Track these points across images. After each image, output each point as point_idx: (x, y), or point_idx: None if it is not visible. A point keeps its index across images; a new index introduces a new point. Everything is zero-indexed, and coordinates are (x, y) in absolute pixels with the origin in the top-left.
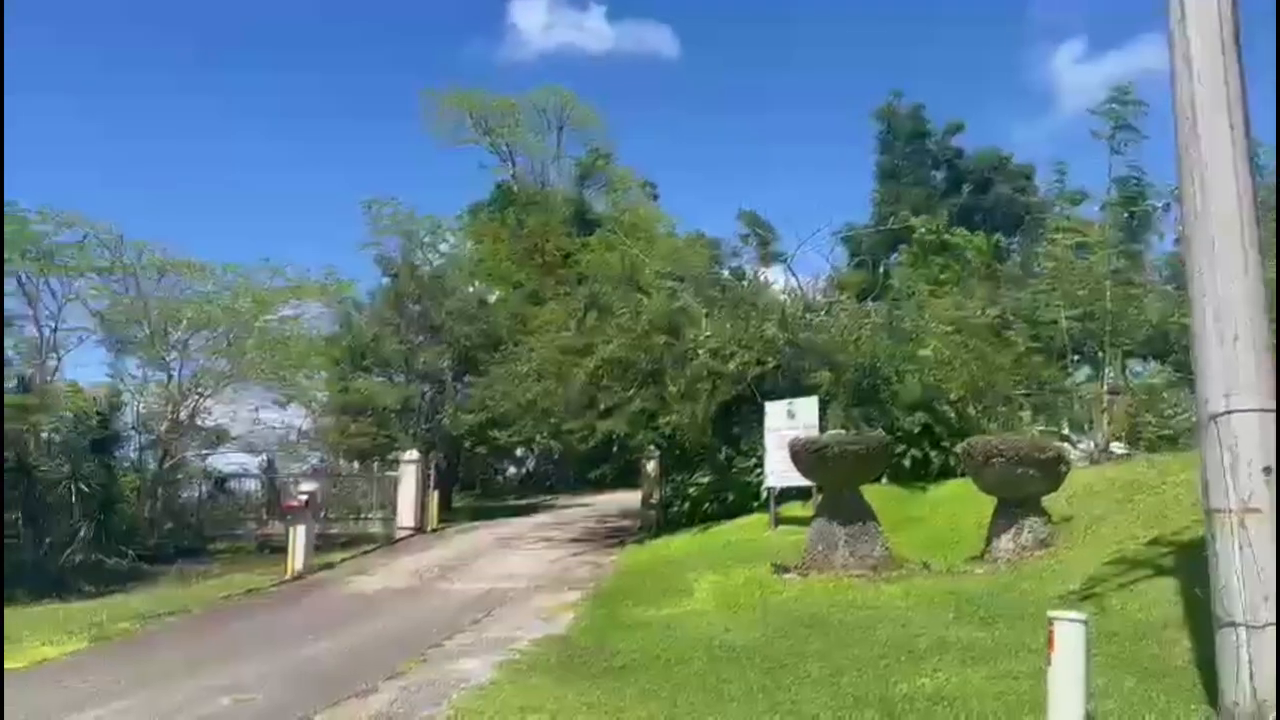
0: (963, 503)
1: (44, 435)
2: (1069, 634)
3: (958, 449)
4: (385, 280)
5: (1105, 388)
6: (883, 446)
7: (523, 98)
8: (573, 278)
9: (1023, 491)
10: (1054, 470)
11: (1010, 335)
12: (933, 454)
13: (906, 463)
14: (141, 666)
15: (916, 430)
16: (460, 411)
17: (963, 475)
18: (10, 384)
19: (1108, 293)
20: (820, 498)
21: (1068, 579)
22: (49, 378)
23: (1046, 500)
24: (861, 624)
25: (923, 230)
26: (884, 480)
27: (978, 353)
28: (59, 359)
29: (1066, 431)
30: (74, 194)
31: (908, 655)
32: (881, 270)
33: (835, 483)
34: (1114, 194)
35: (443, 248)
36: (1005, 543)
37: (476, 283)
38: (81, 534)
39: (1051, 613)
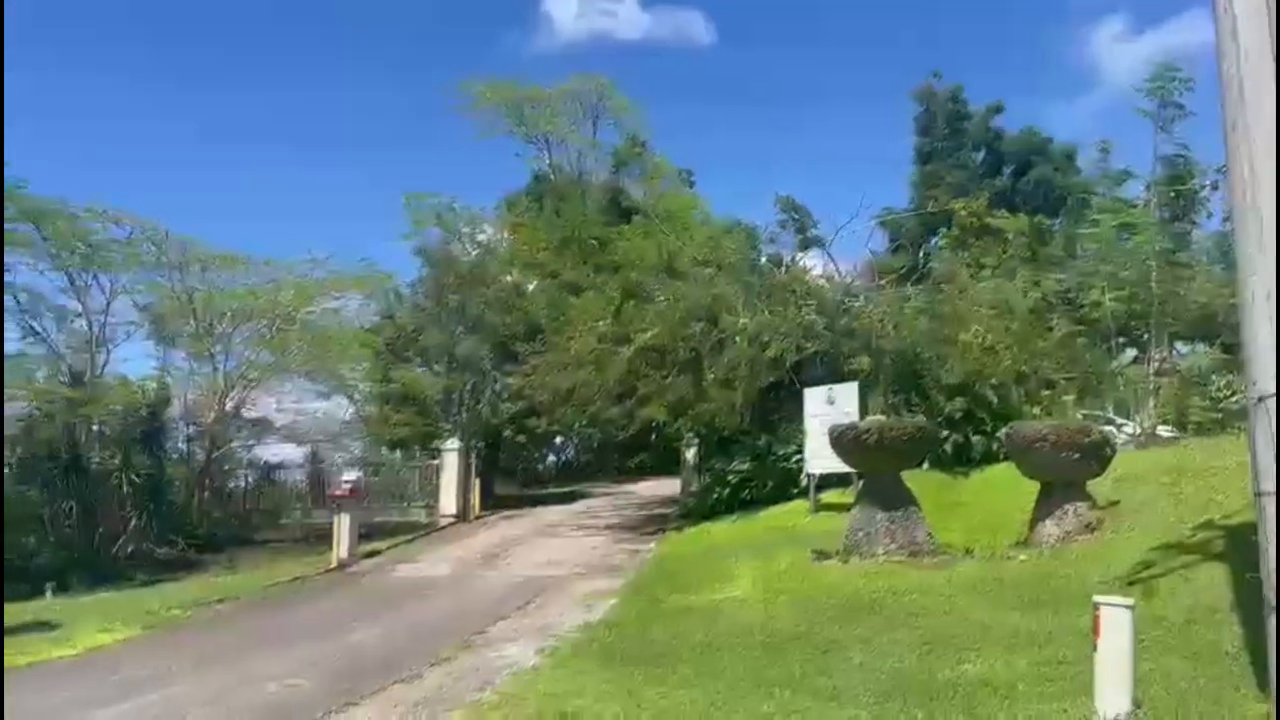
0: (1006, 488)
1: (95, 428)
2: (1115, 619)
3: (1000, 434)
4: (425, 272)
5: (1151, 370)
6: (924, 432)
7: (558, 87)
8: (610, 266)
9: (1067, 476)
10: (1099, 454)
11: (1053, 318)
12: (975, 439)
13: (948, 448)
14: (193, 653)
15: (958, 415)
16: (500, 400)
17: (1005, 460)
18: (62, 378)
19: (1153, 274)
20: (861, 484)
21: (1114, 564)
22: (99, 371)
23: (1091, 485)
24: (903, 610)
25: (963, 213)
26: (925, 466)
27: (1020, 336)
28: (108, 353)
29: (1112, 415)
30: (118, 191)
31: (951, 641)
32: (921, 254)
33: (876, 468)
34: (1159, 173)
35: (480, 238)
36: (1049, 528)
37: (514, 272)
38: (133, 524)
39: (1097, 598)
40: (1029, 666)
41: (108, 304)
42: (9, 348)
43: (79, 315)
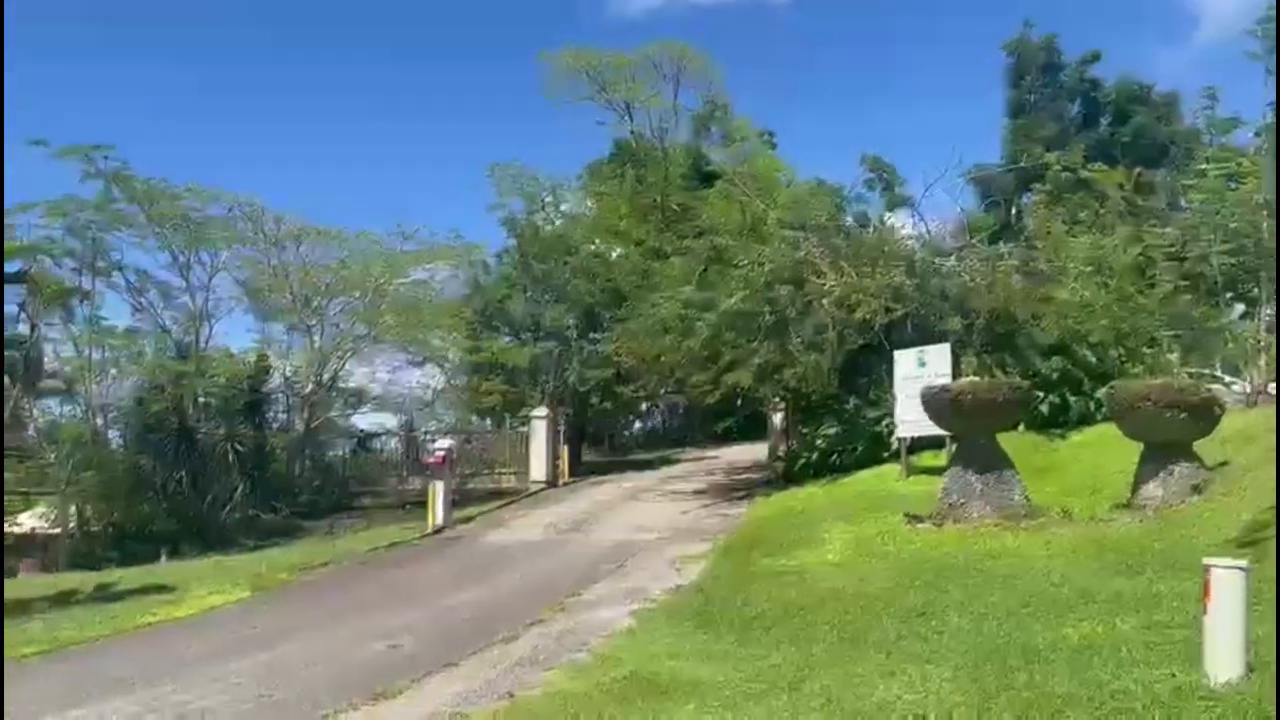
0: (1106, 449)
1: (201, 399)
2: (1228, 581)
3: (1099, 394)
4: (511, 241)
5: (1261, 326)
6: (1020, 393)
7: (638, 52)
8: (693, 232)
9: (1172, 436)
10: (1206, 413)
11: (1155, 274)
12: (1072, 400)
13: (1044, 409)
14: (299, 614)
15: (1055, 376)
16: (586, 368)
17: (1104, 421)
18: (169, 352)
19: (1264, 225)
20: (954, 447)
21: (1223, 526)
22: (203, 345)
23: (1198, 445)
24: (1001, 573)
25: (1058, 167)
26: (1021, 428)
27: (1120, 293)
28: (211, 327)
29: (1219, 373)
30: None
31: (1050, 605)
32: (1014, 211)
33: (970, 431)
34: (1270, 119)
35: (564, 207)
36: (1153, 489)
37: (598, 240)
38: (239, 492)
39: (1208, 559)
40: (1134, 631)
41: (209, 280)
42: (120, 323)
43: (183, 291)
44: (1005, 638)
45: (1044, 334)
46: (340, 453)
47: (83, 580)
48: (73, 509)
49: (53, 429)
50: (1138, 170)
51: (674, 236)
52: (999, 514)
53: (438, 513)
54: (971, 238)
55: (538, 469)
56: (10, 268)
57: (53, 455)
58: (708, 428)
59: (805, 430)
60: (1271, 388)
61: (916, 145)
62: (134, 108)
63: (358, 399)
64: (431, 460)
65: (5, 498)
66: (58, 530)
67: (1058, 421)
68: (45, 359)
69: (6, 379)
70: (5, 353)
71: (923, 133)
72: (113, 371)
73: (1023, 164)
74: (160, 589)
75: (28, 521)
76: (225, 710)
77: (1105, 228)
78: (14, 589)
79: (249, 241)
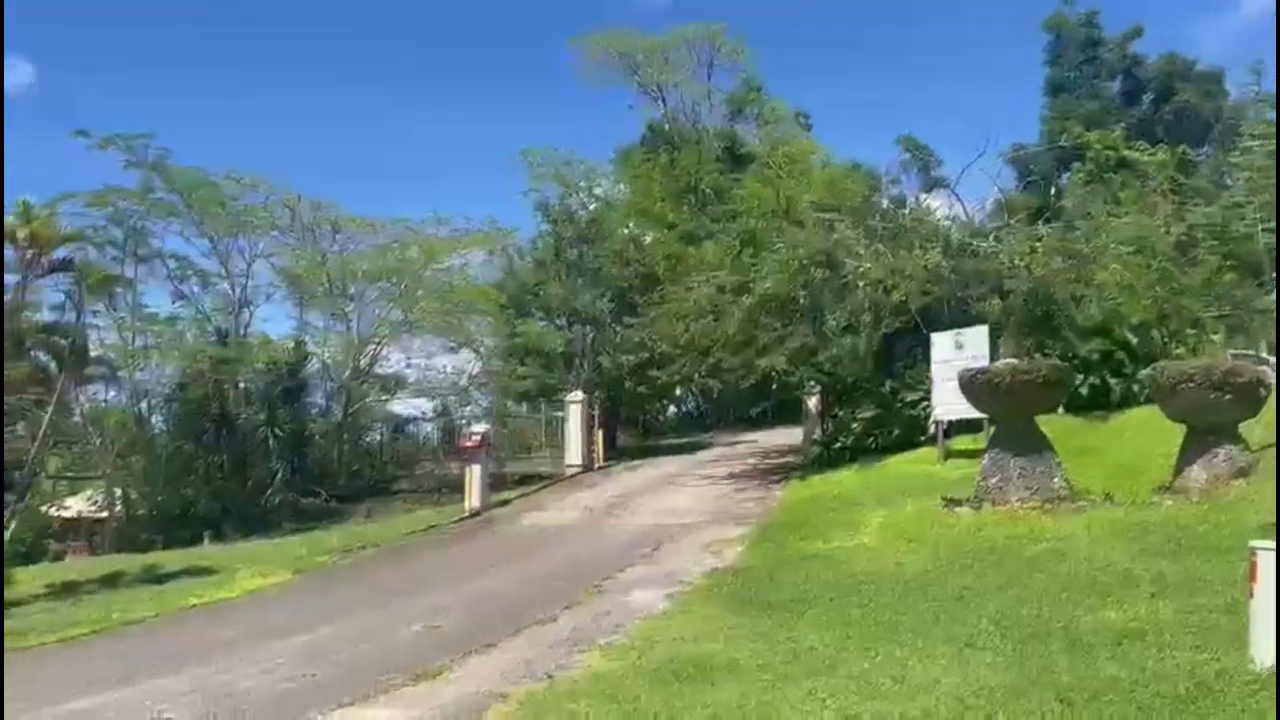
0: (1148, 432)
1: (241, 385)
2: (1274, 564)
3: (1141, 375)
4: (544, 227)
5: None
6: (1060, 374)
7: (671, 35)
8: (727, 215)
9: (1216, 418)
10: (1252, 395)
11: (1199, 253)
12: (1113, 382)
13: (1084, 391)
14: (340, 596)
15: (1095, 357)
16: (620, 352)
17: (1146, 403)
18: (209, 338)
19: None
20: (992, 430)
21: (1269, 510)
22: (243, 332)
23: (1243, 427)
24: (1040, 557)
25: (1098, 146)
26: (1060, 410)
27: (1162, 274)
28: (250, 314)
29: (1265, 354)
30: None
31: (1092, 588)
32: (1053, 191)
33: (1009, 414)
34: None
35: (597, 191)
36: (1197, 472)
37: (631, 225)
38: (279, 476)
39: (1254, 542)
40: (1177, 614)
41: (248, 267)
42: (162, 310)
43: (223, 278)
44: (1045, 621)
45: (1084, 315)
46: (378, 437)
47: (129, 562)
48: (118, 493)
49: (98, 415)
50: (1180, 148)
51: (708, 220)
52: (1038, 497)
53: (474, 496)
54: (1010, 219)
55: (573, 453)
56: (57, 255)
57: (98, 440)
58: (742, 412)
59: (840, 414)
60: None
61: (954, 126)
62: (172, 98)
63: (395, 384)
64: (468, 444)
65: (54, 482)
66: (104, 514)
67: (1098, 404)
68: (90, 346)
69: (53, 365)
70: (51, 340)
71: (960, 114)
72: (155, 358)
73: (1062, 143)
74: (204, 571)
75: (75, 505)
76: (269, 689)
77: (1147, 207)
78: (64, 571)
79: (287, 229)
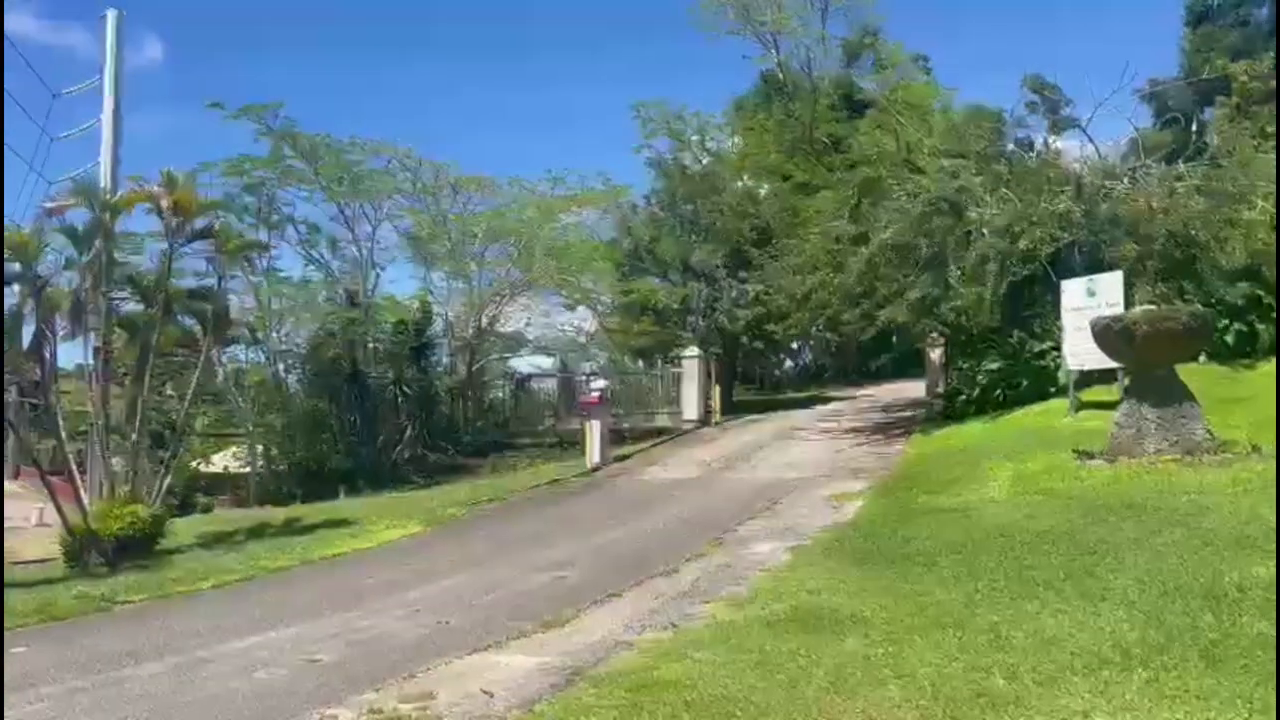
0: None
1: (370, 345)
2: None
3: None
4: (658, 182)
5: None
6: (1201, 321)
7: None
8: (844, 164)
9: None
10: None
11: None
12: (1261, 328)
13: (1229, 338)
14: (470, 546)
15: (1241, 302)
16: (736, 307)
17: None
18: (339, 300)
19: None
20: (1128, 380)
21: None
22: (370, 293)
23: None
24: (1181, 510)
25: (1245, 77)
26: (1202, 358)
27: None
28: (377, 275)
29: None
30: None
31: (1237, 543)
32: (1194, 128)
33: (1145, 363)
34: None
35: (710, 145)
36: None
37: (745, 177)
38: (407, 432)
39: None
40: None
41: (373, 230)
42: (295, 273)
43: (350, 242)
44: (1186, 577)
45: (1229, 258)
46: (500, 394)
47: (272, 515)
48: (259, 449)
49: (239, 375)
50: None
51: (824, 170)
52: (1178, 449)
53: (594, 451)
54: (1146, 158)
55: (690, 408)
56: (198, 224)
57: (240, 400)
58: (861, 365)
59: (965, 366)
60: None
61: (1084, 62)
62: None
63: (515, 342)
64: (587, 400)
65: (200, 439)
66: (247, 469)
67: (1244, 351)
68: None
69: (198, 328)
70: (196, 304)
71: (1091, 49)
72: (290, 320)
73: (1205, 76)
74: (341, 523)
75: (220, 461)
76: (408, 634)
77: None
78: (216, 523)
79: (408, 192)
